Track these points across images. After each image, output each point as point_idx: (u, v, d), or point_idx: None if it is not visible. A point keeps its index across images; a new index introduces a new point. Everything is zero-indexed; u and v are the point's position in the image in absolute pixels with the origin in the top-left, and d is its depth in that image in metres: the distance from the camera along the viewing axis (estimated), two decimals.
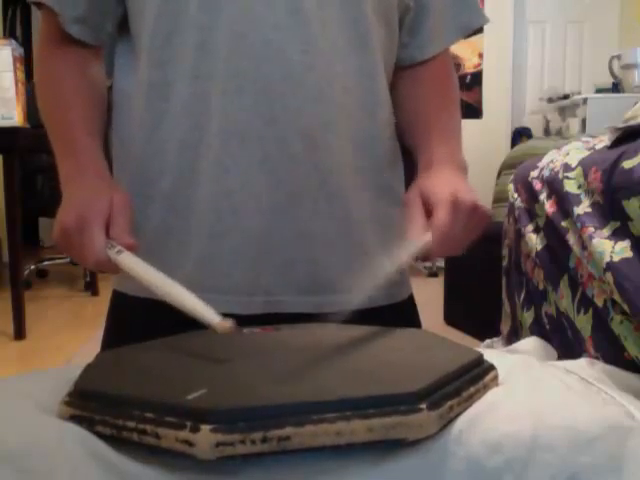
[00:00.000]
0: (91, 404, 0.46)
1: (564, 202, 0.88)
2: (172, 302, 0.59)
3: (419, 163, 0.81)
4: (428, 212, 0.69)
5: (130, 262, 0.64)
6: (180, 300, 0.59)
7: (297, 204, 0.76)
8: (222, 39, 0.73)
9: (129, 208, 0.70)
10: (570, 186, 0.88)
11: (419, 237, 0.67)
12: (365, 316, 0.79)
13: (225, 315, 0.72)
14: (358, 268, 0.81)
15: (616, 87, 3.92)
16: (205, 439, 0.41)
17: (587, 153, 0.90)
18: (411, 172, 0.84)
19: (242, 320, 0.73)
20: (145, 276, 0.62)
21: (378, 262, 0.82)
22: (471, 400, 0.48)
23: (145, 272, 0.62)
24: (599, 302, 0.79)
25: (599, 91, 4.01)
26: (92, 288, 3.57)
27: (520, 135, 4.52)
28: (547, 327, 0.96)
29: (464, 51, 4.74)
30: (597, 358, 0.76)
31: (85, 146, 0.77)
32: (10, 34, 4.91)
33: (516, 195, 1.11)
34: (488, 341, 1.20)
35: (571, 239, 0.86)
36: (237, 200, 0.75)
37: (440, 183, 0.71)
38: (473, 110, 4.79)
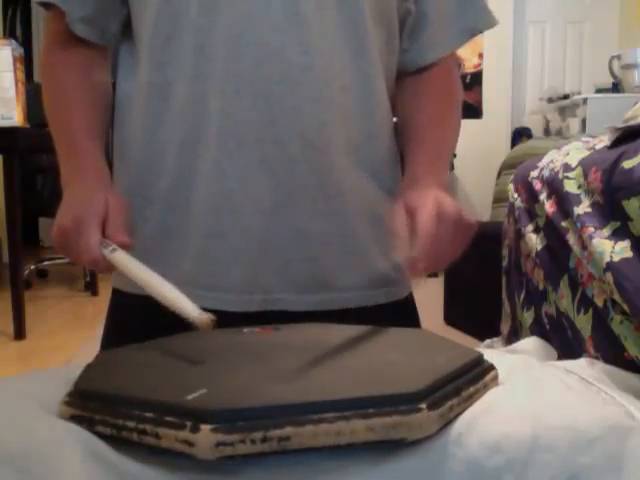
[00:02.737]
0: (91, 404, 0.46)
1: (564, 202, 0.88)
2: (156, 297, 0.60)
3: (405, 175, 0.81)
4: (412, 223, 0.68)
5: (123, 260, 0.65)
6: (163, 294, 0.60)
7: (296, 204, 0.77)
8: (220, 41, 0.73)
9: (125, 209, 0.71)
10: (570, 186, 0.88)
11: (405, 252, 0.66)
12: (364, 314, 0.79)
13: (223, 313, 0.72)
14: (356, 267, 0.81)
15: (616, 87, 3.93)
16: (205, 439, 0.41)
17: (587, 153, 0.90)
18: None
19: (240, 318, 0.73)
20: (135, 273, 0.63)
21: (376, 263, 0.83)
22: (471, 400, 0.48)
23: (135, 269, 0.63)
24: (599, 302, 0.79)
25: (599, 91, 4.02)
26: (92, 288, 3.57)
27: (520, 135, 4.52)
28: (547, 327, 0.96)
29: (464, 51, 4.74)
30: (597, 358, 0.76)
31: (86, 149, 0.77)
32: (10, 34, 4.91)
33: (516, 195, 1.11)
34: (488, 341, 1.20)
35: (571, 239, 0.86)
36: (235, 200, 0.76)
37: (424, 197, 0.70)
38: (473, 110, 4.80)
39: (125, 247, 0.66)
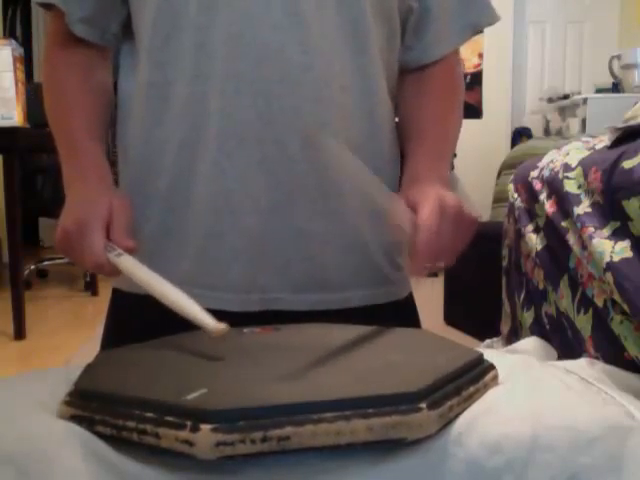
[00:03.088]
0: (91, 404, 0.46)
1: (564, 202, 0.88)
2: (168, 304, 0.60)
3: (404, 173, 0.81)
4: (414, 222, 0.67)
5: (129, 265, 0.65)
6: (176, 303, 0.59)
7: (295, 204, 0.77)
8: (220, 40, 0.73)
9: (128, 211, 0.71)
10: (570, 186, 0.88)
11: (404, 250, 0.65)
12: (364, 314, 0.79)
13: (222, 312, 0.72)
14: (356, 267, 0.81)
15: (616, 87, 3.93)
16: (205, 439, 0.41)
17: (587, 153, 0.90)
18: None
19: (239, 317, 0.73)
20: (144, 279, 0.63)
21: (376, 263, 0.83)
22: (471, 400, 0.48)
23: (144, 275, 0.63)
24: (599, 302, 0.79)
25: (599, 91, 4.02)
26: (92, 288, 3.57)
27: (520, 135, 4.52)
28: (547, 327, 0.96)
29: (464, 51, 4.68)
30: (597, 358, 0.76)
31: (87, 150, 0.77)
32: (10, 34, 4.91)
33: (516, 195, 1.11)
34: (488, 341, 1.20)
35: (571, 239, 0.86)
36: (235, 200, 0.76)
37: (425, 193, 0.69)
38: (473, 110, 4.79)
39: (130, 251, 0.66)
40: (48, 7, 0.81)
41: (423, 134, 0.83)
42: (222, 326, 0.56)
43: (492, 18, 0.87)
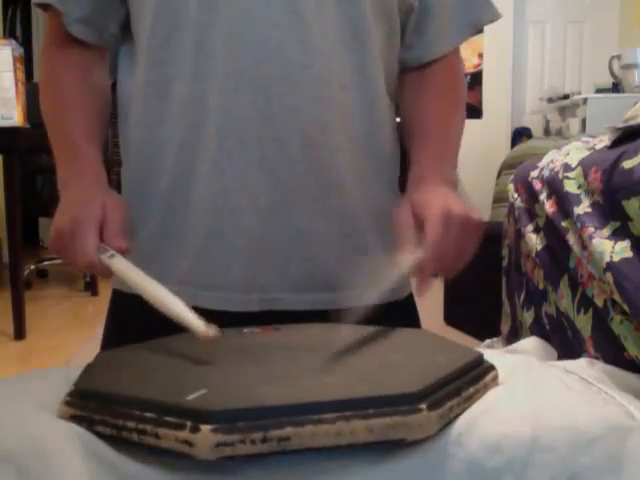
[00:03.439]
0: (91, 404, 0.46)
1: (564, 202, 0.88)
2: (159, 307, 0.60)
3: (410, 174, 0.81)
4: (418, 225, 0.69)
5: (121, 266, 0.64)
6: (167, 306, 0.59)
7: (295, 203, 0.77)
8: (220, 39, 0.73)
9: (122, 212, 0.71)
10: (570, 186, 0.88)
11: (411, 254, 0.66)
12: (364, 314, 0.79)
13: (222, 312, 0.72)
14: (356, 266, 0.81)
15: (616, 87, 3.92)
16: (205, 439, 0.41)
17: (587, 153, 0.90)
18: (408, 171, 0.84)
19: (239, 317, 0.73)
20: (135, 281, 0.63)
21: (377, 263, 0.83)
22: (471, 400, 0.48)
23: (135, 276, 0.63)
24: (599, 302, 0.79)
25: (599, 91, 4.01)
26: (92, 288, 3.57)
27: (520, 135, 4.52)
28: (547, 327, 0.96)
29: (464, 51, 4.66)
30: (597, 358, 0.76)
31: (84, 152, 0.77)
32: (10, 34, 4.91)
33: (516, 195, 1.11)
34: (488, 341, 1.20)
35: (571, 239, 0.86)
36: (235, 200, 0.76)
37: (430, 197, 0.70)
38: (473, 110, 4.79)
39: (122, 252, 0.66)
40: (45, 7, 0.80)
41: (426, 135, 0.83)
42: (211, 331, 0.56)
43: (493, 15, 0.87)
